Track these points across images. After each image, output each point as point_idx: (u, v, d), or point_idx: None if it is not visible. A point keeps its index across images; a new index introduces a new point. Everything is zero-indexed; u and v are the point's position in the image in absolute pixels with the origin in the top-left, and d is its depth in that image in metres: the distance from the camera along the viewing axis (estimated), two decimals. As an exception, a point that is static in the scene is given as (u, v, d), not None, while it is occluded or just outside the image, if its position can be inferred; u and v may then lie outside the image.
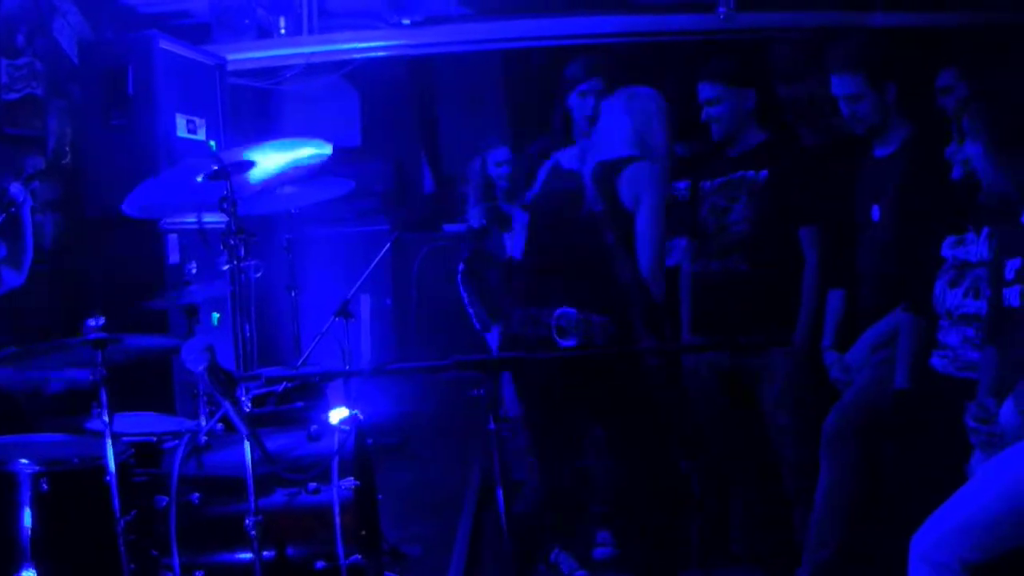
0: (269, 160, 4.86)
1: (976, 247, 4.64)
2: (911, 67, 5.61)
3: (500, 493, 3.19)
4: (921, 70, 6.01)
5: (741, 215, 5.62)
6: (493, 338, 6.47)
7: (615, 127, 5.25)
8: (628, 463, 5.31)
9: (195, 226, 6.26)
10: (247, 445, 4.27)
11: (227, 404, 3.48)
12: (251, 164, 4.78)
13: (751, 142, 5.74)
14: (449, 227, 8.21)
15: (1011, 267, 4.03)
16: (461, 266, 6.78)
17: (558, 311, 4.91)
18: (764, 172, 5.61)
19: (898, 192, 5.16)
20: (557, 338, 4.89)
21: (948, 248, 4.76)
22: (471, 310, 6.77)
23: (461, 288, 6.79)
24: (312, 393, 5.56)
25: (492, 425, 3.18)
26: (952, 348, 4.70)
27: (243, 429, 3.67)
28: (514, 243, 6.37)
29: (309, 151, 4.99)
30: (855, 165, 5.53)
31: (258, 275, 5.47)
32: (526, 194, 6.09)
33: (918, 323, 4.89)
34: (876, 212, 5.29)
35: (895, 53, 5.56)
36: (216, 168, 4.64)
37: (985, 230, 4.62)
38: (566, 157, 5.42)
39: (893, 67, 5.34)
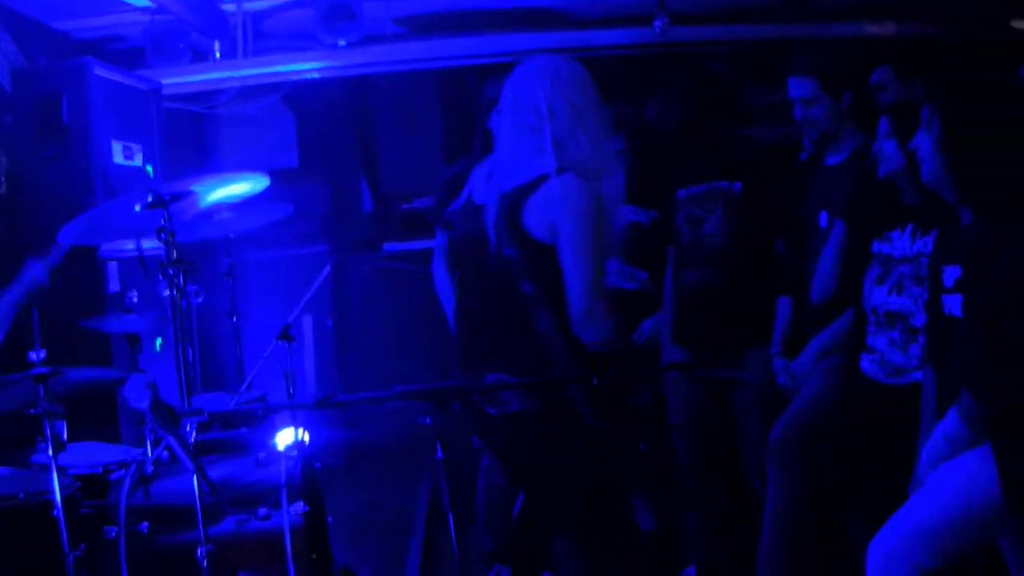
0: (207, 192, 4.86)
1: (900, 243, 4.70)
2: (867, 77, 5.66)
3: (451, 519, 3.20)
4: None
5: (716, 226, 5.64)
6: None
7: (519, 134, 4.37)
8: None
9: (135, 253, 6.24)
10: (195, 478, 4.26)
11: (171, 440, 3.48)
12: (189, 194, 4.77)
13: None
14: (389, 246, 8.21)
15: (950, 274, 4.06)
16: None
17: (489, 378, 4.15)
18: (738, 184, 5.64)
19: (845, 200, 5.20)
20: (488, 408, 4.14)
21: (878, 243, 4.82)
22: None
23: None
24: (257, 419, 5.55)
25: (440, 454, 3.19)
26: (879, 352, 4.75)
27: (189, 464, 3.66)
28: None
29: (246, 185, 4.98)
30: (807, 172, 5.57)
31: (199, 301, 5.46)
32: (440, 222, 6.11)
33: (858, 315, 4.96)
34: (823, 219, 5.33)
35: (853, 62, 5.59)
36: (152, 199, 4.63)
37: (909, 227, 4.69)
38: (478, 188, 5.10)
39: (850, 75, 5.38)
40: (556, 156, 4.21)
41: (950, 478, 3.97)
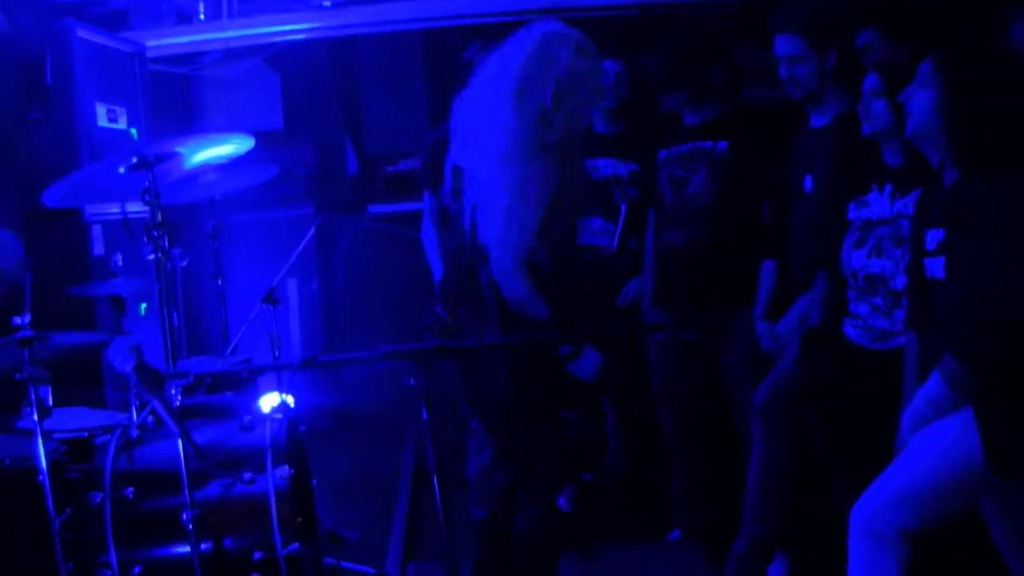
0: (191, 153, 4.83)
1: (879, 206, 4.69)
2: (853, 39, 5.62)
3: (435, 481, 3.20)
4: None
5: (700, 187, 5.63)
6: None
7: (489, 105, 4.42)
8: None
9: (119, 216, 6.23)
10: (180, 442, 4.25)
11: (156, 403, 3.47)
12: (174, 155, 4.75)
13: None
14: (375, 208, 8.19)
15: (932, 237, 4.05)
16: None
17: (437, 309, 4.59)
18: (723, 144, 5.63)
19: (829, 164, 5.18)
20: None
21: (853, 211, 4.81)
22: None
23: None
24: (242, 382, 5.54)
25: (425, 415, 3.18)
26: (862, 317, 4.75)
27: (173, 427, 3.65)
28: None
29: (230, 147, 4.96)
30: (792, 134, 5.54)
31: (184, 264, 5.45)
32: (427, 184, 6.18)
33: (832, 277, 4.94)
34: (808, 183, 5.31)
35: (840, 21, 5.55)
36: (137, 160, 4.61)
37: (888, 188, 4.68)
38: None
39: (835, 34, 5.35)
40: (513, 132, 4.30)
41: (933, 441, 3.99)
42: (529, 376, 4.42)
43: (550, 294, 4.35)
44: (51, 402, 5.27)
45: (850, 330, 4.82)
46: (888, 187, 4.69)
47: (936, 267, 4.02)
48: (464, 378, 4.61)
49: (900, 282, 4.57)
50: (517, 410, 4.46)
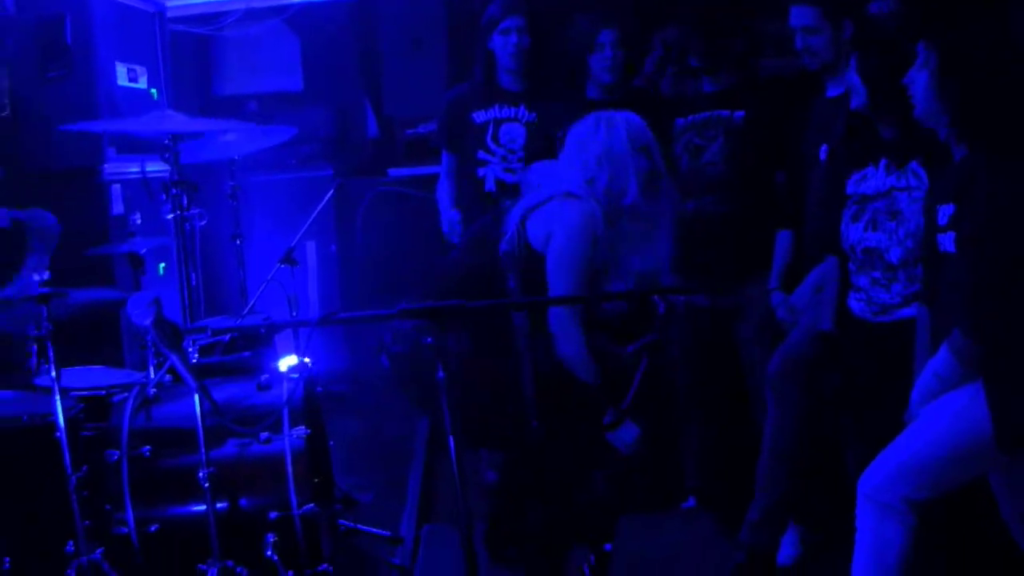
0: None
1: (874, 180, 4.67)
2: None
3: (452, 441, 3.19)
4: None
5: (717, 155, 5.62)
6: None
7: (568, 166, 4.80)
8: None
9: (138, 176, 6.23)
10: (197, 397, 4.25)
11: (174, 357, 3.47)
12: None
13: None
14: (394, 171, 8.17)
15: (944, 213, 4.03)
16: None
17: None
18: (740, 112, 5.60)
19: (843, 133, 5.15)
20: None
21: (852, 185, 4.78)
22: None
23: None
24: (259, 342, 5.55)
25: (441, 374, 3.17)
26: (864, 289, 4.73)
27: (191, 382, 3.65)
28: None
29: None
30: (807, 103, 5.52)
31: (202, 224, 5.45)
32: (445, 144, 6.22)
33: (840, 264, 4.92)
34: (824, 152, 5.29)
35: None
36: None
37: (883, 161, 4.65)
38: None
39: (851, 2, 5.31)
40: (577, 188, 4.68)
41: (942, 413, 3.98)
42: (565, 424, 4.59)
43: None
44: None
45: (854, 303, 4.79)
46: (883, 161, 4.67)
47: (947, 241, 4.00)
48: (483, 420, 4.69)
49: (895, 255, 4.54)
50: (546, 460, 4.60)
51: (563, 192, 4.68)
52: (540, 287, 4.61)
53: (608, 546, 4.75)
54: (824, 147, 5.27)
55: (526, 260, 4.67)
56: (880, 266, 4.60)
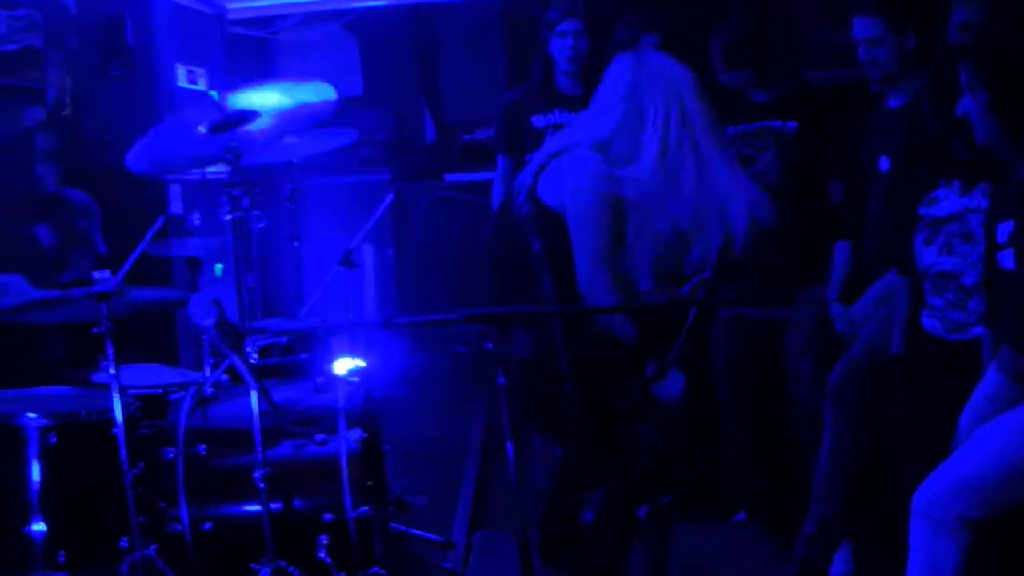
0: (272, 101, 4.83)
1: (947, 203, 4.62)
2: (931, 16, 5.52)
3: (510, 446, 3.18)
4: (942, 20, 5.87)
5: (769, 166, 5.58)
6: None
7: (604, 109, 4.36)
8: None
9: (197, 176, 6.26)
10: (253, 397, 4.26)
11: (235, 358, 3.48)
12: (255, 115, 4.76)
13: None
14: (451, 176, 8.18)
15: (1004, 230, 4.00)
16: None
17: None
18: (792, 123, 5.57)
19: (905, 144, 5.12)
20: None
21: (924, 207, 4.74)
22: None
23: None
24: (316, 344, 5.55)
25: (501, 379, 3.16)
26: (939, 309, 4.69)
27: (252, 383, 3.67)
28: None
29: (311, 93, 4.95)
30: (868, 114, 5.47)
31: (261, 226, 5.46)
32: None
33: (909, 286, 4.87)
34: (885, 163, 5.24)
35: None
36: (219, 121, 4.62)
37: (956, 184, 4.61)
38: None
39: (914, 13, 5.26)
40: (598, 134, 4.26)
41: (997, 431, 3.93)
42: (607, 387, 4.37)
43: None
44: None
45: (927, 320, 4.76)
46: (956, 183, 4.62)
47: (1007, 259, 3.97)
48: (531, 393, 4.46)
49: (969, 279, 4.51)
50: (588, 425, 4.42)
51: (581, 142, 4.30)
52: (565, 249, 4.25)
53: (667, 499, 4.65)
54: (884, 159, 5.23)
55: (544, 219, 4.30)
56: (954, 288, 4.56)
